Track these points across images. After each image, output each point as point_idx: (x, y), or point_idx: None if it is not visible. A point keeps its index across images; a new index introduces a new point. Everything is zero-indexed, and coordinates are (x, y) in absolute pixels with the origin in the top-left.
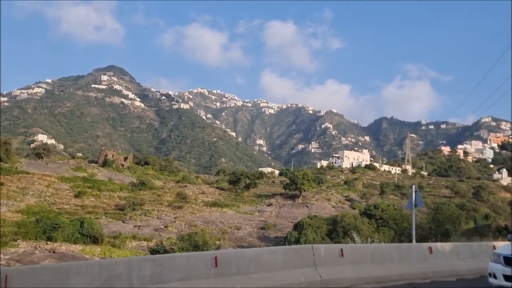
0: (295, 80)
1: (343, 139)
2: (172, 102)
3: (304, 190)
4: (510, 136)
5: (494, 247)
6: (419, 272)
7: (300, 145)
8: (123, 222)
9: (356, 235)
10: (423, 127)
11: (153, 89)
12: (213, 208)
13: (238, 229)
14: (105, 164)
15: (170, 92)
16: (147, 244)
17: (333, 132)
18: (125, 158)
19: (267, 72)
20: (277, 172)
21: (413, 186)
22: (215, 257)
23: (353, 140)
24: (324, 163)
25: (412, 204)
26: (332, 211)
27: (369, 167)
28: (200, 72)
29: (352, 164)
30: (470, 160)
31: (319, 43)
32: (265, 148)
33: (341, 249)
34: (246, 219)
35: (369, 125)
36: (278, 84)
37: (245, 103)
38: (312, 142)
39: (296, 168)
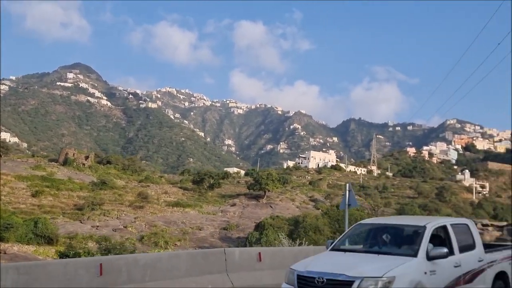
0: (264, 81)
1: (311, 139)
2: (140, 101)
3: (268, 190)
4: (474, 138)
5: None
6: None
7: (269, 146)
8: (81, 222)
9: (284, 237)
10: (390, 129)
11: (120, 88)
12: (175, 208)
13: (200, 230)
14: (66, 163)
15: (138, 91)
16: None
17: (302, 133)
18: (87, 157)
19: (236, 72)
20: (243, 172)
21: (347, 185)
22: (100, 264)
23: (321, 141)
24: (291, 163)
25: (345, 204)
26: (296, 211)
27: (335, 167)
28: (169, 71)
29: (318, 165)
30: (435, 161)
31: (288, 44)
32: (233, 148)
33: (259, 253)
34: (208, 220)
35: (337, 126)
36: (247, 84)
37: (213, 103)
38: (281, 143)
39: (263, 168)
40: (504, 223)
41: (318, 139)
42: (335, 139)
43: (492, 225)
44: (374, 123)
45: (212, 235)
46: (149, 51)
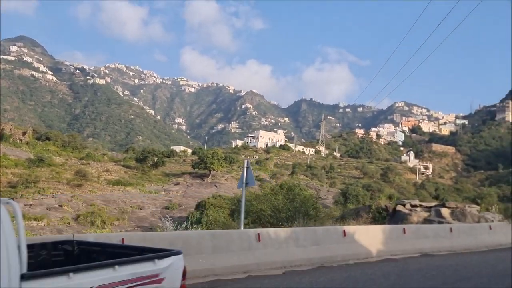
0: (216, 59)
1: (263, 119)
2: (87, 77)
3: (214, 169)
4: (420, 121)
5: (344, 233)
6: (239, 265)
7: (220, 125)
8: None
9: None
10: (341, 110)
11: (67, 63)
12: (116, 186)
13: (141, 209)
14: (1, 139)
15: (85, 66)
16: (37, 224)
17: (253, 113)
18: (24, 133)
19: (188, 49)
20: (190, 151)
21: (245, 161)
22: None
23: (272, 121)
24: (240, 142)
25: (242, 183)
26: (241, 191)
27: (284, 147)
28: (118, 47)
29: (267, 144)
30: (382, 143)
31: (241, 22)
32: (184, 127)
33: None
34: (150, 199)
35: (289, 106)
36: (199, 63)
37: (164, 81)
38: (232, 122)
39: (214, 147)
40: (433, 204)
41: (269, 119)
42: (287, 119)
43: (420, 205)
44: (325, 104)
45: (153, 214)
46: (97, 25)
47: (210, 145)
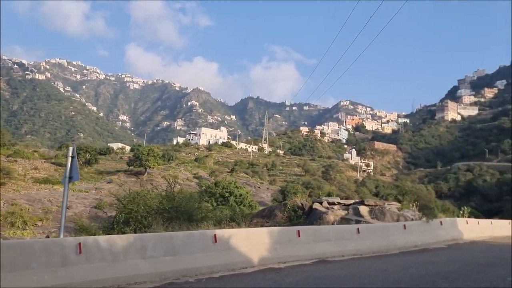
0: (162, 56)
1: (209, 117)
2: (26, 72)
3: (149, 167)
4: (364, 119)
5: (214, 238)
6: None
7: (165, 122)
8: None
9: None
10: (287, 108)
11: (4, 57)
12: (43, 185)
13: (69, 208)
14: None
15: (24, 61)
16: None
17: (200, 110)
18: None
19: (133, 45)
20: (128, 148)
21: (70, 149)
22: None
23: (219, 118)
24: (181, 140)
25: (65, 177)
26: (177, 189)
27: (226, 145)
28: (59, 42)
29: (209, 142)
30: (326, 141)
31: (187, 19)
32: (128, 124)
33: None
34: (79, 198)
35: (236, 104)
36: (144, 59)
37: (108, 77)
38: (178, 120)
39: (156, 145)
40: (352, 201)
41: (216, 117)
42: (233, 117)
43: (339, 203)
44: (272, 102)
45: (82, 214)
46: (37, 19)
47: (155, 143)
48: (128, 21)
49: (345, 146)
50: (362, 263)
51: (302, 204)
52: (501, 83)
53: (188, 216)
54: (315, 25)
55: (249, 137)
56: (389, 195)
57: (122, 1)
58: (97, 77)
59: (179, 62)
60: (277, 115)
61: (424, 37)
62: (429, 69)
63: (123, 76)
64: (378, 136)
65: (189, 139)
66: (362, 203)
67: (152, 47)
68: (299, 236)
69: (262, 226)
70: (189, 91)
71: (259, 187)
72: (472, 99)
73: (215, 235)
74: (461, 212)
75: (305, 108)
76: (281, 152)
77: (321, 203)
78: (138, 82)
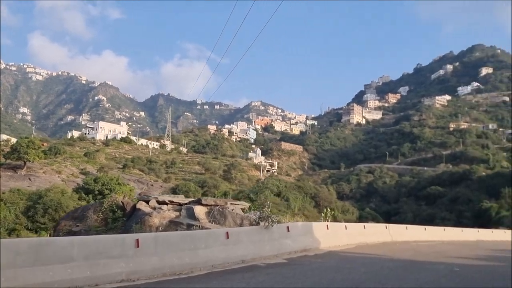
0: (69, 47)
1: (117, 113)
2: None
3: (29, 160)
4: (273, 120)
5: None
6: None
7: (70, 116)
8: None
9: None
10: (198, 107)
11: None
12: None
13: None
14: None
15: None
16: None
17: (107, 105)
18: None
19: (37, 34)
20: (15, 140)
21: None
22: None
23: (127, 114)
24: (77, 133)
25: None
26: (61, 185)
27: (125, 140)
28: None
29: (107, 136)
30: (234, 140)
31: (97, 10)
32: (29, 117)
33: None
34: None
35: (146, 100)
36: (49, 49)
37: (8, 66)
38: (84, 114)
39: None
40: (187, 200)
41: (124, 113)
42: (142, 113)
43: (171, 202)
44: (182, 100)
45: None
46: None
47: (57, 138)
48: (32, 9)
49: (253, 146)
50: None
51: (123, 203)
52: (404, 90)
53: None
54: (228, 24)
55: (158, 135)
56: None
57: None
58: None
59: (87, 55)
60: (188, 113)
61: (337, 43)
62: (339, 74)
63: (25, 66)
64: (286, 137)
65: (85, 133)
66: (199, 202)
67: (58, 37)
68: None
69: (69, 231)
70: (96, 85)
71: (152, 185)
72: (377, 103)
73: None
74: (323, 214)
75: (217, 107)
76: (184, 150)
77: (148, 201)
78: (41, 74)
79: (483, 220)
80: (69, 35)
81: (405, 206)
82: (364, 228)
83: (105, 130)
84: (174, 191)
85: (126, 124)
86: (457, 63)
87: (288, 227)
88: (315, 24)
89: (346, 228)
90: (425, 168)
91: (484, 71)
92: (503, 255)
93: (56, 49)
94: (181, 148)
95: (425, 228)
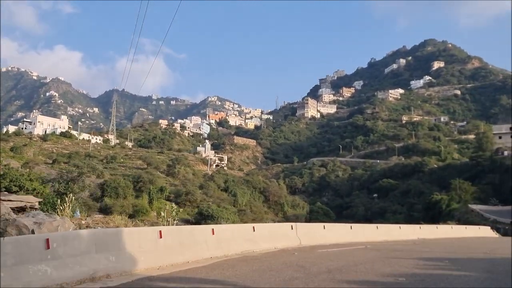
0: (19, 42)
1: (69, 109)
2: None
3: None
4: (228, 114)
5: None
6: None
7: (20, 113)
8: None
9: None
10: (154, 102)
11: None
12: None
13: None
14: None
15: None
16: None
17: (59, 101)
18: None
19: None
20: None
21: None
22: None
23: (80, 111)
24: (13, 128)
25: None
26: None
27: (65, 135)
28: None
29: (46, 131)
30: (187, 135)
31: (48, 4)
32: None
33: None
34: None
35: (100, 96)
36: None
37: None
38: (34, 111)
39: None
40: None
41: (77, 109)
42: (96, 109)
43: None
44: (138, 96)
45: None
46: None
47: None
48: None
49: (207, 141)
50: None
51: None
52: (358, 84)
53: None
54: (185, 20)
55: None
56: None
57: None
58: None
59: (38, 50)
60: (143, 109)
61: (293, 39)
62: (295, 69)
63: None
64: (241, 131)
65: (22, 128)
66: None
67: (7, 31)
68: None
69: None
70: (48, 80)
71: (83, 180)
72: (332, 97)
73: None
74: (163, 213)
75: (173, 102)
76: (129, 144)
77: None
78: None
79: (434, 213)
80: (19, 29)
81: (357, 200)
82: (254, 230)
83: (43, 124)
84: (101, 187)
85: (80, 121)
86: (410, 58)
87: (47, 241)
88: (271, 19)
89: (213, 234)
90: (378, 161)
91: (436, 65)
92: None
93: (5, 43)
94: (126, 143)
95: (351, 227)
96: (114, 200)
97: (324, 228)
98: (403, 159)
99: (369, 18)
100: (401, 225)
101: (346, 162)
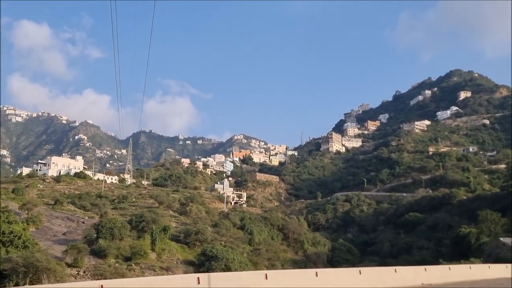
0: (49, 87)
1: (98, 151)
2: None
3: None
4: (252, 151)
5: None
6: None
7: (50, 157)
8: None
9: None
10: (181, 142)
11: None
12: None
13: None
14: None
15: None
16: None
17: (87, 144)
18: None
19: (16, 76)
20: None
21: None
22: None
23: (108, 153)
24: (27, 170)
25: None
26: None
27: (79, 175)
28: None
29: (60, 172)
30: (209, 173)
31: (77, 50)
32: (9, 160)
33: None
34: None
35: (127, 138)
36: (29, 90)
37: None
38: (64, 154)
39: None
40: None
41: (105, 151)
42: (124, 151)
43: None
44: (165, 136)
45: None
46: None
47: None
48: (10, 50)
49: (230, 178)
50: None
51: None
52: (383, 117)
53: None
54: (211, 60)
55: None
56: None
57: (4, 28)
58: None
59: (68, 95)
60: (170, 149)
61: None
62: (320, 104)
63: (4, 108)
64: (265, 168)
65: (37, 170)
66: None
67: (37, 78)
68: None
69: None
70: (77, 124)
71: (83, 222)
72: (356, 131)
73: None
74: None
75: (199, 142)
76: (145, 183)
77: None
78: (21, 115)
79: (462, 248)
80: (49, 75)
81: (382, 235)
82: None
83: (58, 165)
84: (96, 227)
85: (108, 163)
86: (436, 89)
87: None
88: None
89: None
90: (404, 194)
91: (463, 95)
92: None
93: (37, 89)
94: (142, 182)
95: (316, 273)
96: (109, 242)
97: (266, 278)
98: (430, 191)
99: (393, 51)
100: (398, 268)
101: (371, 196)
